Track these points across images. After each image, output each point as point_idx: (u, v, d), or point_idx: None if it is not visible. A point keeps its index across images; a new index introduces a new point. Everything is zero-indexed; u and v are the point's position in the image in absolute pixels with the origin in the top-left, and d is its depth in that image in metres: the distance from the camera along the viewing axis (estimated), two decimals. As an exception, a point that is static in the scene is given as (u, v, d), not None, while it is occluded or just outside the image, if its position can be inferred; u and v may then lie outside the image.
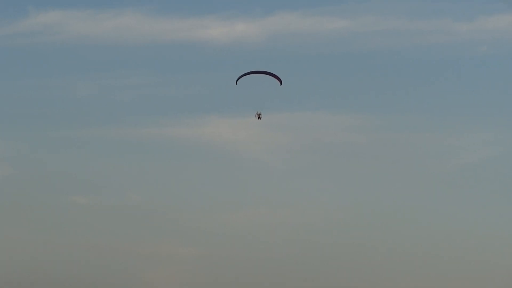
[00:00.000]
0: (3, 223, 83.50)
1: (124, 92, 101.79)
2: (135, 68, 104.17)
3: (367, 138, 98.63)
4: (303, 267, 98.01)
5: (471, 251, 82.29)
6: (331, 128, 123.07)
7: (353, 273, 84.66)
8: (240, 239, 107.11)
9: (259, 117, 29.26)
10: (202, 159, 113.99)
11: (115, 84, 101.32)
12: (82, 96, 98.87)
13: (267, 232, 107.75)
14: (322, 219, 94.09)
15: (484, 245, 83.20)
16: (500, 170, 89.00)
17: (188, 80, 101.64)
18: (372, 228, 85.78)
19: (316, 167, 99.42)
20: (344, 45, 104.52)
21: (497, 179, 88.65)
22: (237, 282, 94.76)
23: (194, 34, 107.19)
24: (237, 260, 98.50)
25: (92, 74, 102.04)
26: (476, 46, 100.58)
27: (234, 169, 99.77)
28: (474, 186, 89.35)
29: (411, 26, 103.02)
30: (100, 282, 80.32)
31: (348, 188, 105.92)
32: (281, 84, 26.81)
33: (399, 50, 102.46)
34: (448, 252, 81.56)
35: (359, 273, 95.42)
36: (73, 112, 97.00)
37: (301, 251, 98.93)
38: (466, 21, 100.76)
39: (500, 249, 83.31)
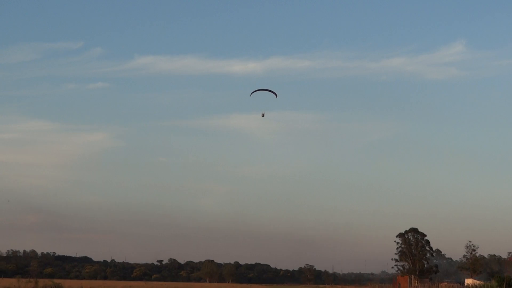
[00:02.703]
0: (117, 175, 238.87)
1: (187, 102, 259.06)
2: (194, 88, 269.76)
3: (320, 126, 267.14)
4: (284, 196, 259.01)
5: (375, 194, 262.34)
6: (302, 119, 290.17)
7: (312, 200, 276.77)
8: (252, 181, 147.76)
9: (263, 115, 39.26)
10: (232, 138, 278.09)
11: (183, 96, 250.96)
12: (165, 103, 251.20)
13: (266, 177, 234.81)
14: (295, 170, 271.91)
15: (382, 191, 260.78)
16: (390, 142, 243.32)
17: (222, 94, 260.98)
18: (322, 176, 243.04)
19: (293, 142, 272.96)
20: (308, 75, 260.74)
21: (390, 148, 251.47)
22: (250, 204, 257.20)
23: (224, 69, 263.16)
24: (250, 192, 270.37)
25: (170, 91, 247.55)
26: (380, 76, 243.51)
27: (249, 143, 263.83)
28: (379, 152, 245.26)
29: (346, 64, 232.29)
30: (172, 205, 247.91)
31: (309, 153, 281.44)
32: (276, 97, 35.97)
33: (339, 78, 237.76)
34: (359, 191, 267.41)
35: (315, 200, 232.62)
36: (161, 112, 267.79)
37: (284, 187, 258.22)
38: (374, 62, 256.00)
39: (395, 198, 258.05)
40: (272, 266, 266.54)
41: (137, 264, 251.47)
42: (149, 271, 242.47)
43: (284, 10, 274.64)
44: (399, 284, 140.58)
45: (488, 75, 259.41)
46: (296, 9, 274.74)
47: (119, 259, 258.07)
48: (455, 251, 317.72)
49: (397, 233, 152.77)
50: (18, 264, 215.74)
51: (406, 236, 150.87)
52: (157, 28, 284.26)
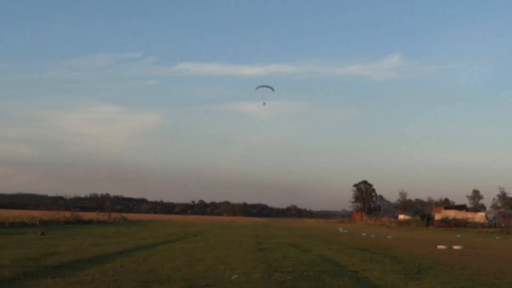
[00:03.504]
0: (165, 143, 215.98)
1: (212, 94, 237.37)
2: (217, 84, 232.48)
3: (302, 110, 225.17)
4: (277, 157, 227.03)
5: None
6: (290, 106, 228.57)
7: (296, 160, 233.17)
8: (255, 147, 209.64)
9: (264, 104, 39.25)
10: (242, 119, 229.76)
11: (210, 90, 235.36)
12: (197, 94, 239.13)
13: (265, 144, 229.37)
14: (285, 140, 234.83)
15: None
16: (350, 122, 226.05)
17: (236, 89, 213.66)
18: (304, 144, 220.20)
19: (284, 120, 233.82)
20: (295, 76, 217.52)
21: (350, 125, 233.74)
22: (255, 162, 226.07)
23: (237, 72, 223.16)
24: (254, 155, 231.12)
25: (201, 87, 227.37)
26: (343, 77, 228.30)
27: (254, 122, 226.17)
28: (342, 128, 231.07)
29: (320, 69, 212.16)
30: (201, 163, 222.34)
31: (295, 129, 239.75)
32: (274, 91, 37.56)
33: (316, 78, 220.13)
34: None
35: (298, 160, 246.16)
36: (194, 101, 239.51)
37: (277, 151, 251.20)
38: (339, 68, 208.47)
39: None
40: (269, 205, 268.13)
41: (178, 203, 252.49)
42: (185, 208, 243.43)
43: (279, 32, 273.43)
44: (354, 218, 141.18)
45: (417, 76, 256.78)
46: (287, 31, 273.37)
47: (165, 199, 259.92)
48: (392, 196, 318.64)
49: (353, 184, 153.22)
50: (97, 203, 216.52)
51: (359, 186, 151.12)
52: (192, 44, 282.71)
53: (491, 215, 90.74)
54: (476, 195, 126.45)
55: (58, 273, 11.92)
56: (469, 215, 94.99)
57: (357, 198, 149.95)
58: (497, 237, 45.80)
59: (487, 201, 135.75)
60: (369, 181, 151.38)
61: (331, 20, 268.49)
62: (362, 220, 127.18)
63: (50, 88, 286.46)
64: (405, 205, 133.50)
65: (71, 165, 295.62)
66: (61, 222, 48.14)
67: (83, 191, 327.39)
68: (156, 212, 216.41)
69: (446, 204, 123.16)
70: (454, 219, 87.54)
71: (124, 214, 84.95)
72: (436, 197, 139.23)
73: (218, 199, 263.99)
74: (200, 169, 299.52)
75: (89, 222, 54.34)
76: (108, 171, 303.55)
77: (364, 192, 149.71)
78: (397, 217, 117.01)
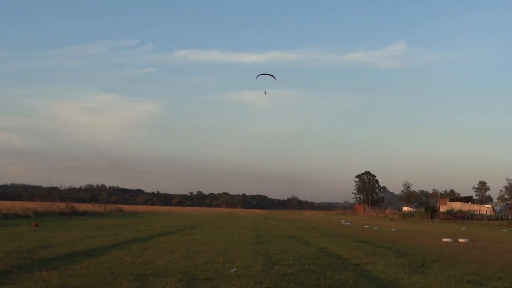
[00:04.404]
0: (162, 132, 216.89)
1: (211, 82, 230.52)
2: (216, 72, 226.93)
3: (303, 99, 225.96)
4: (278, 147, 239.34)
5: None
6: (291, 95, 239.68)
7: (297, 150, 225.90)
8: (255, 137, 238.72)
9: (265, 93, 39.73)
10: (242, 108, 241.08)
11: (208, 78, 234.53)
12: (196, 83, 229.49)
13: (265, 134, 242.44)
14: (285, 130, 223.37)
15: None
16: (352, 111, 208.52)
17: (235, 77, 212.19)
18: (305, 133, 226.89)
19: (285, 109, 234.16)
20: (296, 64, 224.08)
21: (352, 114, 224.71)
22: (254, 153, 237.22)
23: (237, 59, 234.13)
24: (254, 145, 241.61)
25: (199, 75, 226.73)
26: (345, 65, 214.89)
27: (254, 111, 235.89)
28: (344, 117, 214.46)
29: (321, 57, 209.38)
30: (200, 154, 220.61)
31: (295, 118, 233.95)
32: (275, 79, 36.81)
33: (317, 66, 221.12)
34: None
35: (299, 150, 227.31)
36: (193, 89, 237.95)
37: (278, 141, 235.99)
38: (341, 55, 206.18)
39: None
40: (269, 197, 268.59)
41: (175, 195, 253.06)
42: (183, 200, 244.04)
43: (280, 18, 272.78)
44: (357, 210, 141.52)
45: (420, 65, 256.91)
46: (287, 19, 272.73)
47: (162, 190, 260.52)
48: (396, 187, 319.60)
49: (355, 175, 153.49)
50: (93, 194, 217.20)
51: (362, 177, 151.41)
52: (190, 31, 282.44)
53: (498, 207, 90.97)
54: (482, 186, 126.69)
55: (53, 266, 11.97)
56: (475, 207, 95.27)
57: (359, 190, 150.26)
58: (504, 230, 45.96)
59: (493, 193, 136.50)
60: (372, 172, 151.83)
61: (333, 5, 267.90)
62: (364, 212, 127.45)
63: (45, 77, 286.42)
64: (409, 196, 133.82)
65: (66, 155, 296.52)
66: (56, 214, 48.26)
67: (78, 182, 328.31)
68: (153, 204, 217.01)
69: (452, 196, 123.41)
70: (460, 211, 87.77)
71: (120, 206, 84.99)
72: (441, 188, 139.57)
73: (217, 190, 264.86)
74: (199, 160, 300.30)
75: (84, 213, 54.38)
76: (104, 161, 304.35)
77: (367, 183, 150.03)
78: (401, 209, 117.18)
